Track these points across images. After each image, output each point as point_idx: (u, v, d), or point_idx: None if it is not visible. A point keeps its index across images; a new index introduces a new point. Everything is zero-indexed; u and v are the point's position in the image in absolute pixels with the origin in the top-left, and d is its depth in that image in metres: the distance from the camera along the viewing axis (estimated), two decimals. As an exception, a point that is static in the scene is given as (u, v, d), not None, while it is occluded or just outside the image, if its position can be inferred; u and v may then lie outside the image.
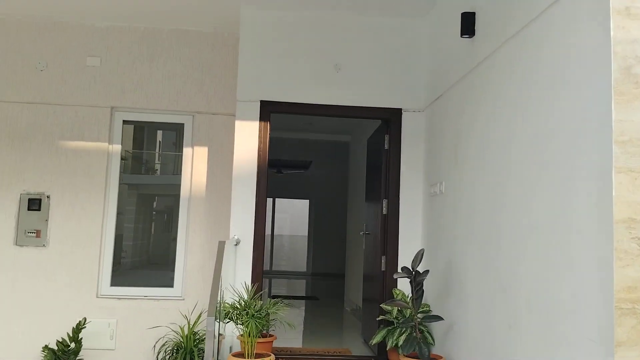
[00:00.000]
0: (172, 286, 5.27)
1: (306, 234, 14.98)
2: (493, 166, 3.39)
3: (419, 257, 3.91)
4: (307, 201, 14.95)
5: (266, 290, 6.22)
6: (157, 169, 6.24)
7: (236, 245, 4.68)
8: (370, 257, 5.54)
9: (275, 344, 4.69)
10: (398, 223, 4.86)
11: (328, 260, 13.98)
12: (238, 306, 3.83)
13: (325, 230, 14.17)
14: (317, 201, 14.54)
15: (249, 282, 4.64)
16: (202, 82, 5.42)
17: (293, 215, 19.28)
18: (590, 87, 2.39)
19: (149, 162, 6.20)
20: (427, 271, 3.90)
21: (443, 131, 4.39)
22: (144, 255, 5.72)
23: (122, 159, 5.40)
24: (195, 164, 5.34)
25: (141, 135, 6.00)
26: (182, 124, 5.41)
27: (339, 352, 5.01)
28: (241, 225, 4.72)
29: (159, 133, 6.06)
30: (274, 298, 4.47)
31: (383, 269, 4.90)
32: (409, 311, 4.24)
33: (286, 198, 15.04)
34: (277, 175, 13.53)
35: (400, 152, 4.93)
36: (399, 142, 4.95)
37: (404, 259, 4.79)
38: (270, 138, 4.66)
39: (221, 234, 5.16)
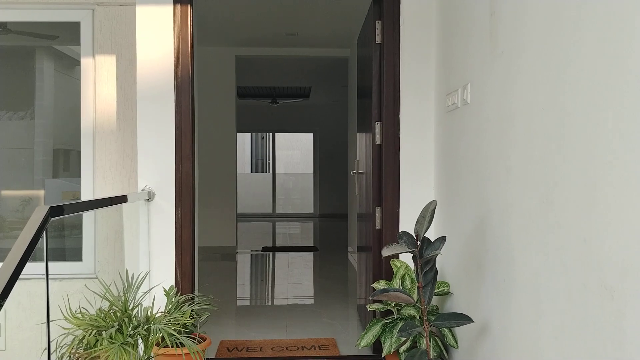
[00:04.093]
0: (80, 259, 3.71)
1: (312, 171, 13.37)
2: (589, 41, 1.62)
3: (427, 216, 2.22)
4: (312, 135, 13.23)
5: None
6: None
7: (148, 200, 3.05)
8: (362, 207, 3.87)
9: (230, 336, 3.16)
10: (398, 158, 3.14)
11: (335, 200, 12.44)
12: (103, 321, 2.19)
13: (331, 167, 12.55)
14: (322, 134, 12.82)
15: (171, 260, 3.04)
16: (103, -42, 3.63)
17: (302, 151, 17.65)
18: None
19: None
20: (441, 239, 2.21)
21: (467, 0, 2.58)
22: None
23: None
24: (99, 81, 3.64)
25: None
26: (78, 23, 3.67)
27: (320, 346, 3.46)
28: (155, 168, 3.06)
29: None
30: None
31: (378, 226, 3.23)
32: (412, 310, 2.61)
33: (287, 132, 13.33)
34: (272, 106, 11.79)
35: (399, 46, 3.14)
36: (396, 30, 3.15)
37: (409, 213, 3.11)
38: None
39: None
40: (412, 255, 2.24)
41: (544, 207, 1.78)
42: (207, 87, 7.20)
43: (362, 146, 3.92)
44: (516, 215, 2.00)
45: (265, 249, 7.97)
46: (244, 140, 17.70)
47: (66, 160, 4.14)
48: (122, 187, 3.63)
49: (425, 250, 2.20)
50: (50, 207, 1.78)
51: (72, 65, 4.19)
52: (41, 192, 4.06)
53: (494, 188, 2.20)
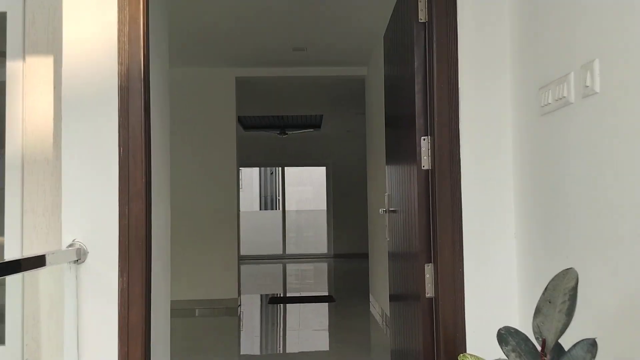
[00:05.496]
0: (2, 342, 2.64)
1: (325, 208, 12.28)
2: None
3: (561, 301, 1.12)
4: (324, 169, 12.21)
5: None
6: None
7: (77, 262, 1.99)
8: (399, 259, 2.78)
9: None
10: (460, 189, 2.06)
11: (351, 239, 11.31)
12: None
13: (346, 203, 11.48)
14: (336, 168, 11.80)
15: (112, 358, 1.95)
16: None
17: (314, 186, 16.66)
18: None
19: None
20: (588, 346, 1.12)
21: None
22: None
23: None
24: (29, 90, 2.63)
25: None
26: (4, 13, 2.70)
27: None
28: (88, 212, 2.01)
29: None
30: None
31: (429, 293, 2.13)
32: None
33: (297, 166, 12.31)
34: (281, 137, 10.82)
35: (455, 22, 2.11)
36: (451, 1, 2.12)
37: (480, 276, 2.02)
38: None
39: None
40: (530, 378, 1.13)
41: None
42: (203, 114, 6.24)
43: (395, 177, 2.86)
44: None
45: (272, 300, 6.83)
46: (252, 175, 16.75)
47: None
48: (61, 238, 2.58)
49: (562, 374, 1.09)
50: None
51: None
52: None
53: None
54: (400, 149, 2.69)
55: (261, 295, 7.38)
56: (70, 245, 1.98)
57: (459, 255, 2.01)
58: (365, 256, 7.07)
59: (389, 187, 3.08)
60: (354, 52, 5.81)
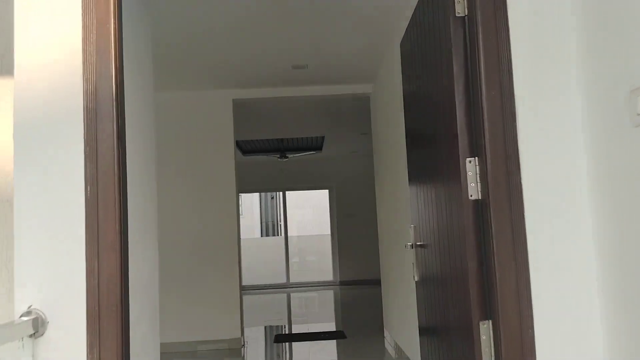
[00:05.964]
0: None
1: (329, 232, 11.79)
2: None
3: None
4: (327, 192, 11.77)
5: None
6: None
7: (34, 336, 1.53)
8: (436, 307, 2.31)
9: None
10: (524, 226, 1.61)
11: (358, 265, 10.83)
12: None
13: (351, 227, 11.01)
14: (339, 190, 11.36)
15: None
16: None
17: (316, 210, 16.20)
18: None
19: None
20: None
21: None
22: None
23: None
24: (-14, 119, 2.20)
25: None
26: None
27: None
28: (48, 270, 1.57)
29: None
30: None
31: (488, 359, 1.67)
32: None
33: (299, 190, 11.86)
34: (281, 161, 10.41)
35: (506, 14, 1.68)
36: (498, -12, 1.70)
37: (557, 338, 1.56)
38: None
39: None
40: None
41: None
42: (199, 140, 5.82)
43: (425, 206, 2.41)
44: None
45: (278, 338, 6.32)
46: (252, 201, 16.29)
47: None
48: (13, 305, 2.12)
49: None
50: None
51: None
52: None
53: None
54: (432, 174, 2.25)
55: (265, 328, 6.89)
56: (26, 314, 1.53)
57: (527, 312, 1.55)
58: (373, 282, 6.60)
59: (415, 218, 2.64)
60: (358, 68, 5.41)
